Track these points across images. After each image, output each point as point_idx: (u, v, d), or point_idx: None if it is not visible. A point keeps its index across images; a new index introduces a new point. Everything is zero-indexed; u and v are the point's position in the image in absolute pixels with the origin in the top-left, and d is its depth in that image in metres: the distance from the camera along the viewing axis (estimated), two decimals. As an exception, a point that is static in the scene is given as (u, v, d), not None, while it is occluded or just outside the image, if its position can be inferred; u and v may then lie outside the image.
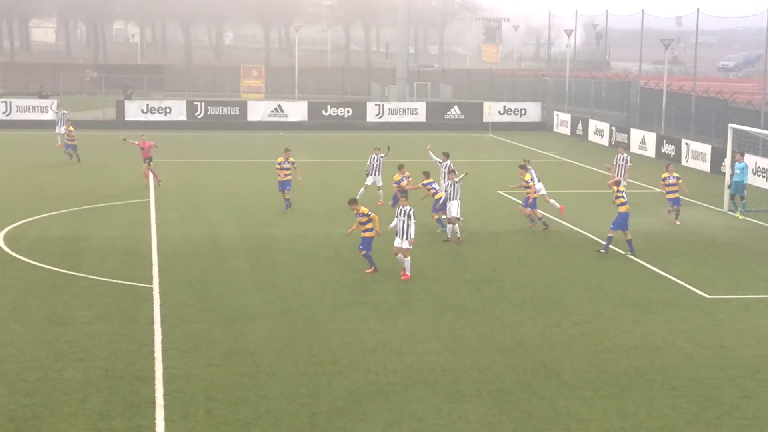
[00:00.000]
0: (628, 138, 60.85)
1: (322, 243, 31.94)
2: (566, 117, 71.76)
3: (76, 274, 27.34)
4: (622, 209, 30.68)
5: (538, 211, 34.58)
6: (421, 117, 75.02)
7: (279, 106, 74.42)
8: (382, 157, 38.65)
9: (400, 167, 34.53)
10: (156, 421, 17.34)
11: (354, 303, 25.00)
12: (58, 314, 23.52)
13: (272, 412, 17.88)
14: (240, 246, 31.44)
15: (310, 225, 34.71)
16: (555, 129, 73.20)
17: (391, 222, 28.63)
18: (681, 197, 36.52)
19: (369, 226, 27.54)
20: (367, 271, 27.88)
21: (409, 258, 27.51)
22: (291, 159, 37.05)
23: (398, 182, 33.73)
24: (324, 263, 29.13)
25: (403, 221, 27.21)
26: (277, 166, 36.96)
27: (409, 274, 27.44)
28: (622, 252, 30.90)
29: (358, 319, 23.61)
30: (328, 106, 75.21)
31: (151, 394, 18.54)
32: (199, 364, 20.28)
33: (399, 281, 27.04)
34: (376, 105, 76.00)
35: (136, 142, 42.86)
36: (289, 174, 36.81)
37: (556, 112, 74.04)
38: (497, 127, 73.30)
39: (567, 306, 25.16)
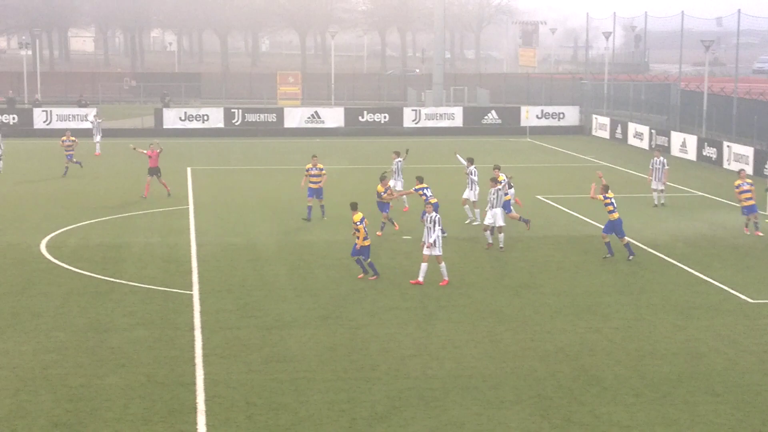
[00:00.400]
0: (669, 141, 60.44)
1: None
2: (605, 120, 71.41)
3: (117, 281, 27.55)
4: (612, 216, 30.37)
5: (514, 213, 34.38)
6: (458, 122, 74.91)
7: (315, 112, 74.59)
8: (400, 161, 38.46)
9: (382, 178, 34.05)
10: (197, 427, 17.44)
11: (392, 309, 25.00)
12: (100, 321, 23.70)
13: (312, 417, 17.91)
14: (278, 252, 31.53)
15: (348, 231, 34.67)
16: (593, 132, 72.84)
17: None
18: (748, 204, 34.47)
19: (357, 234, 27.56)
20: (359, 276, 27.92)
21: (443, 263, 27.44)
22: (319, 165, 36.79)
23: (380, 194, 33.45)
24: (361, 269, 29.11)
25: (429, 228, 27.13)
26: (306, 173, 36.87)
27: (447, 278, 27.40)
28: (629, 255, 30.68)
29: (396, 325, 23.62)
30: (365, 112, 75.29)
31: (192, 400, 18.64)
32: (239, 370, 20.36)
33: (437, 287, 27.01)
34: (412, 110, 75.99)
35: (145, 151, 42.13)
36: (319, 181, 36.60)
37: (594, 116, 73.69)
38: (535, 131, 73.07)
39: (607, 311, 25.04)
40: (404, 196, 37.93)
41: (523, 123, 74.46)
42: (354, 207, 27.90)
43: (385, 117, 74.84)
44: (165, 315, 24.29)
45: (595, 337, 22.85)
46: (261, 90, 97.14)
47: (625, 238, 30.67)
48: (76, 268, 28.96)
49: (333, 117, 74.40)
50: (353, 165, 53.83)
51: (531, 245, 32.55)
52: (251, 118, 73.34)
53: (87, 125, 64.81)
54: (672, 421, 17.96)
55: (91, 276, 28.05)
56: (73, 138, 49.26)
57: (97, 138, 58.67)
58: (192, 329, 23.09)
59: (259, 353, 21.42)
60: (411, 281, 27.36)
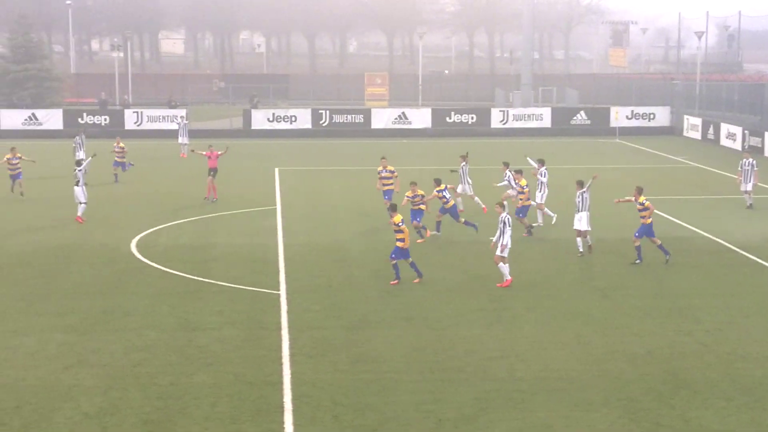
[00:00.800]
0: (762, 142, 59.30)
1: (447, 250, 31.90)
2: (697, 121, 70.31)
3: (206, 280, 27.86)
4: (645, 221, 29.77)
5: (525, 219, 33.97)
6: (547, 123, 74.41)
7: (403, 113, 74.70)
8: (465, 165, 38.00)
9: (412, 183, 33.23)
10: (285, 426, 17.54)
11: (479, 310, 24.89)
12: (188, 320, 23.99)
13: (398, 418, 17.91)
14: (364, 253, 31.59)
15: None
16: (685, 133, 71.78)
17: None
18: None
19: (400, 236, 27.27)
20: (391, 282, 27.45)
21: (506, 265, 27.21)
22: (389, 167, 36.62)
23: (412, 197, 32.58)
24: (448, 270, 29.06)
25: (500, 229, 26.94)
26: (378, 176, 36.78)
27: (509, 278, 27.17)
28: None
29: (482, 326, 23.51)
30: (452, 113, 75.17)
31: (279, 399, 18.76)
32: (325, 369, 20.45)
33: (524, 288, 26.83)
34: (500, 111, 75.65)
35: (204, 153, 41.96)
36: (391, 183, 36.55)
37: (686, 116, 72.60)
38: (624, 132, 72.24)
39: (698, 314, 24.62)
40: (476, 198, 37.57)
41: (613, 124, 73.68)
42: (393, 209, 27.80)
43: (472, 118, 74.66)
44: (252, 314, 24.50)
45: (685, 340, 22.49)
46: (348, 91, 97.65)
47: (657, 239, 30.07)
48: (166, 267, 29.36)
49: (420, 118, 74.42)
50: (440, 166, 53.69)
51: (620, 247, 32.12)
52: (338, 119, 73.72)
53: (176, 127, 65.49)
54: (764, 427, 17.59)
55: (180, 275, 28.41)
56: (123, 145, 48.30)
57: (184, 139, 58.70)
58: (279, 329, 23.24)
59: (345, 353, 21.49)
60: (498, 284, 27.18)
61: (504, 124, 74.04)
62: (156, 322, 23.77)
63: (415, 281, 27.45)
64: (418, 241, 32.11)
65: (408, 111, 75.57)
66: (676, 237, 33.70)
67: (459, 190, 37.48)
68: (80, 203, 36.60)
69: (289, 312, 24.63)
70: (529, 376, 20.08)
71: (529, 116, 74.77)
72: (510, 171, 35.51)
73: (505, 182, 35.91)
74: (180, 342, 22.27)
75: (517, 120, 74.28)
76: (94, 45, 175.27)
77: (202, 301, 25.63)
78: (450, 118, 74.45)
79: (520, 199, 33.63)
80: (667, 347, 21.99)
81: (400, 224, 27.18)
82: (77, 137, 51.78)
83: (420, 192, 32.46)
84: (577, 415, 18.09)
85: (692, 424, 17.74)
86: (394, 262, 27.44)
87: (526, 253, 31.09)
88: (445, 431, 17.37)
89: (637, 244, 30.04)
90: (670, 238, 33.63)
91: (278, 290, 26.76)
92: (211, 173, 41.37)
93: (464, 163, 37.91)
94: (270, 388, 19.34)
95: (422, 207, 32.41)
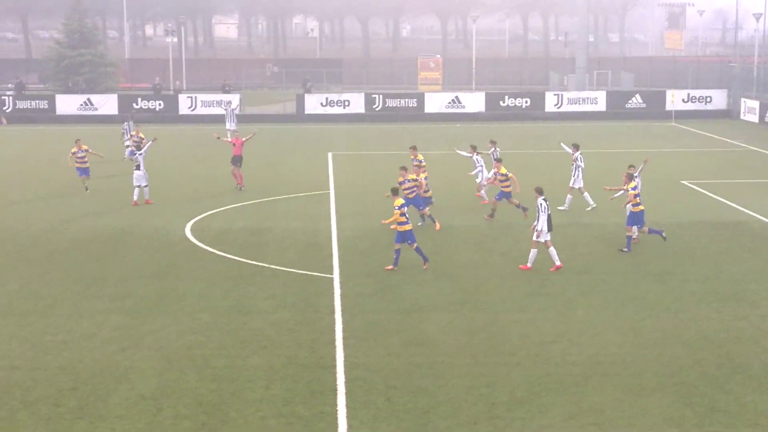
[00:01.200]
0: (820, 125, 58.41)
1: (501, 234, 31.81)
2: (754, 104, 69.38)
3: (260, 264, 28.02)
4: (636, 209, 29.04)
5: (514, 199, 33.74)
6: (601, 106, 73.78)
7: (456, 97, 74.45)
8: (494, 150, 37.69)
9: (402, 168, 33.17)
10: (337, 408, 17.62)
11: (532, 294, 24.82)
12: (242, 303, 24.16)
13: (451, 401, 17.92)
14: (417, 236, 31.51)
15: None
16: (742, 117, 70.87)
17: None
18: None
19: (401, 219, 27.09)
20: (386, 268, 27.34)
21: (552, 248, 27.10)
22: (419, 156, 36.17)
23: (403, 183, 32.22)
24: (501, 255, 28.98)
25: (540, 215, 26.84)
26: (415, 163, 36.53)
27: (559, 263, 27.04)
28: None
29: (536, 311, 23.43)
30: (506, 97, 74.82)
31: (332, 382, 18.85)
32: (378, 353, 20.50)
33: (577, 273, 26.72)
34: (554, 95, 75.17)
35: (229, 139, 40.87)
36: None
37: (743, 99, 71.66)
38: (680, 115, 71.48)
39: (754, 299, 24.36)
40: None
41: (669, 107, 72.90)
42: (395, 192, 27.89)
43: (526, 102, 74.25)
44: (306, 298, 24.61)
45: (741, 325, 22.26)
46: (401, 75, 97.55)
47: (645, 227, 29.54)
48: (220, 251, 29.57)
49: (474, 102, 74.14)
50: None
51: (675, 231, 31.83)
52: (392, 103, 73.65)
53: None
54: (822, 413, 17.38)
55: (234, 259, 28.60)
56: (142, 135, 46.65)
57: (232, 125, 57.93)
58: (332, 312, 23.33)
59: (398, 336, 21.53)
60: (520, 266, 27.11)
61: (558, 108, 73.55)
62: (210, 306, 23.97)
63: (425, 266, 27.30)
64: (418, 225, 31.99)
65: (461, 95, 75.33)
66: (732, 222, 33.34)
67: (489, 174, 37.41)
68: (142, 186, 36.98)
69: (342, 296, 24.72)
70: (582, 361, 19.99)
71: (583, 100, 74.19)
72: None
73: (479, 168, 36.12)
74: (234, 325, 22.44)
75: (571, 104, 73.73)
76: (148, 30, 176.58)
77: (256, 285, 25.79)
78: (504, 102, 74.09)
79: (503, 187, 33.45)
80: (722, 332, 21.79)
81: (401, 207, 27.05)
82: (125, 123, 52.15)
83: (411, 176, 32.34)
84: (630, 399, 17.99)
85: (748, 408, 17.58)
86: (398, 247, 27.31)
87: (577, 238, 30.94)
88: (497, 414, 17.35)
89: (629, 233, 29.57)
90: (726, 222, 33.30)
91: (331, 274, 26.85)
92: (236, 162, 40.51)
93: (494, 148, 37.82)
94: (323, 371, 19.44)
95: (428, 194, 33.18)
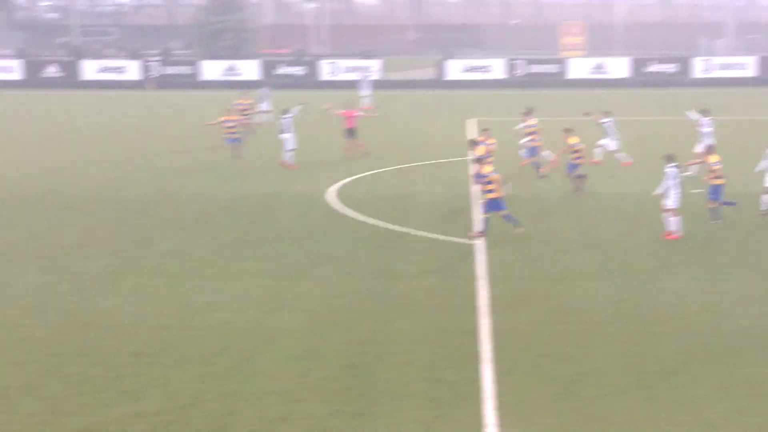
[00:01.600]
0: None
1: (647, 203, 31.09)
2: None
3: (403, 229, 28.04)
4: (717, 181, 28.00)
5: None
6: (753, 72, 71.45)
7: (600, 63, 73.11)
8: (607, 120, 36.90)
9: (485, 131, 33.20)
10: (483, 374, 17.50)
11: (681, 264, 24.23)
12: (387, 268, 24.21)
13: (599, 370, 17.62)
14: (563, 204, 31.18)
15: (633, 185, 33.88)
16: None
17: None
18: None
19: (489, 187, 26.47)
20: (469, 234, 26.88)
21: (675, 218, 26.42)
22: (530, 122, 35.73)
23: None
24: (649, 224, 28.31)
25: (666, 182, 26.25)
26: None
27: (676, 233, 26.39)
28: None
29: (686, 280, 22.88)
30: (652, 62, 73.10)
31: (476, 348, 18.73)
32: (524, 320, 20.30)
33: (728, 243, 26.00)
34: (703, 60, 73.10)
35: (341, 111, 40.14)
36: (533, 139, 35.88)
37: None
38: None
39: None
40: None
41: (824, 72, 70.28)
42: (479, 160, 27.90)
43: (673, 67, 72.42)
44: (449, 264, 24.53)
45: None
46: (544, 41, 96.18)
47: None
48: (364, 216, 29.70)
49: (618, 68, 72.73)
50: (641, 117, 52.43)
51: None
52: (534, 69, 72.84)
53: (371, 78, 65.45)
54: None
55: (377, 224, 28.69)
56: (251, 101, 46.46)
57: (366, 92, 57.71)
58: (475, 279, 23.20)
59: (543, 304, 21.28)
60: (666, 236, 26.49)
61: (707, 73, 71.54)
62: (355, 270, 24.09)
63: (519, 230, 26.87)
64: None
65: (605, 60, 73.94)
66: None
67: (602, 142, 37.23)
68: (290, 150, 37.55)
69: (487, 262, 24.54)
70: (735, 331, 19.43)
71: (733, 65, 71.97)
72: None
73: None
74: (378, 289, 22.50)
75: (721, 69, 71.61)
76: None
77: (400, 250, 25.82)
78: (649, 68, 72.44)
79: (577, 158, 32.75)
80: None
81: (490, 174, 26.57)
82: (263, 88, 52.72)
83: (572, 140, 32.57)
84: (787, 373, 17.43)
85: None
86: (487, 215, 26.82)
87: (728, 208, 30.05)
88: (647, 384, 16.99)
89: (712, 206, 28.56)
90: None
91: (474, 240, 26.70)
92: (349, 134, 39.72)
93: (609, 119, 37.10)
94: (467, 337, 19.34)
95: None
